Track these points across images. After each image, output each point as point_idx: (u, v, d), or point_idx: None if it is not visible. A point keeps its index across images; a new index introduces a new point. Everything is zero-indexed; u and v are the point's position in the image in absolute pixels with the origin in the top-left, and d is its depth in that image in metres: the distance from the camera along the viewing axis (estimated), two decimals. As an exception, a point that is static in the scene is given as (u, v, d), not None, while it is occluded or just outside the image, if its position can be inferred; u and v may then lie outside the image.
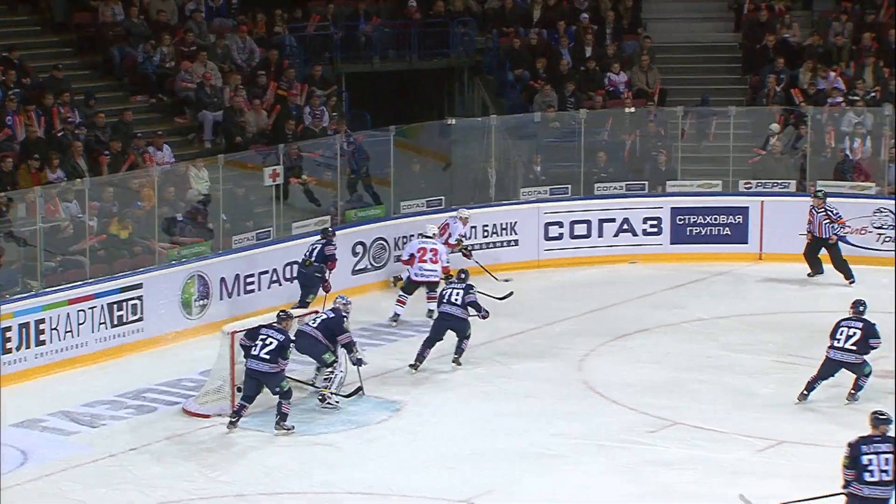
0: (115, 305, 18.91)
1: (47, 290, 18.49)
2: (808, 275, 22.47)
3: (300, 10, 25.76)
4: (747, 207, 23.49)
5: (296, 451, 15.83)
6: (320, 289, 19.87)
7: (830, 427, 16.17)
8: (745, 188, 23.78)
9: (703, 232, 23.51)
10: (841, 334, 16.83)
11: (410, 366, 18.17)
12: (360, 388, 17.01)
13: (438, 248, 20.47)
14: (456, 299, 18.19)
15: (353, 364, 17.11)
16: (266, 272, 20.65)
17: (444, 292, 18.39)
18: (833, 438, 15.56)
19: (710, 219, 23.53)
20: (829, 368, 16.92)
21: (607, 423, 16.52)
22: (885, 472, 12.39)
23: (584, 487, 14.73)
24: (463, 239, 21.64)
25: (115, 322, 18.87)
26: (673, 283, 22.14)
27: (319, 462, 15.52)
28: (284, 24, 25.25)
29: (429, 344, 18.21)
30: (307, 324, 17.22)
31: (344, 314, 17.13)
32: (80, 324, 18.47)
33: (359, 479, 14.99)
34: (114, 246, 19.68)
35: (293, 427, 16.21)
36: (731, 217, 23.52)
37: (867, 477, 12.45)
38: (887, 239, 22.94)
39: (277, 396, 16.08)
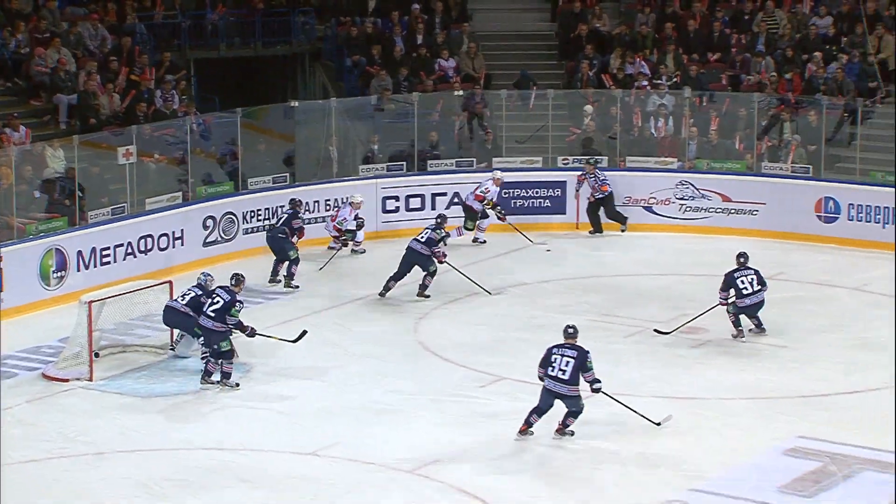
0: (-28, 277, 18.55)
1: None
2: (591, 232, 23.11)
3: (149, 0, 25.39)
4: (565, 182, 23.71)
5: (151, 412, 15.71)
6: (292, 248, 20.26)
7: (643, 378, 16.45)
8: (563, 164, 24.04)
9: (526, 204, 23.69)
10: (743, 283, 17.62)
11: (379, 294, 19.53)
12: (304, 332, 17.04)
13: (339, 214, 21.90)
14: (422, 237, 19.48)
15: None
16: (121, 245, 20.39)
17: (422, 232, 19.76)
18: (643, 389, 15.90)
19: (532, 192, 23.74)
20: (751, 311, 17.81)
21: (441, 379, 16.64)
22: (563, 371, 14.32)
23: (420, 438, 14.82)
24: (485, 195, 22.42)
25: (-27, 295, 18.51)
26: (499, 251, 22.28)
27: (174, 421, 15.41)
28: (134, 12, 24.85)
29: (395, 277, 19.52)
30: (176, 300, 17.05)
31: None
32: (-59, 296, 18.09)
33: (211, 436, 14.95)
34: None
35: (238, 385, 16.13)
36: (550, 190, 23.75)
37: (550, 371, 14.40)
38: (689, 209, 23.37)
39: (217, 357, 16.07)
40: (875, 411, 15.44)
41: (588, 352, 14.49)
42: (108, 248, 20.21)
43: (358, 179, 23.32)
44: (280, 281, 20.21)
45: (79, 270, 19.75)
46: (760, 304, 17.78)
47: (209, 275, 17.32)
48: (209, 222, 21.66)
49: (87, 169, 20.86)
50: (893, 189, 21.89)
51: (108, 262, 20.17)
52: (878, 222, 22.09)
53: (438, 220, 19.98)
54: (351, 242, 21.83)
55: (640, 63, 25.50)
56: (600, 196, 22.98)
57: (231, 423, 15.28)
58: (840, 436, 14.69)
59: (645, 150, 24.23)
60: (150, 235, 20.74)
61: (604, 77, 25.46)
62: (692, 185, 23.36)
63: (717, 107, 24.24)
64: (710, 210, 23.30)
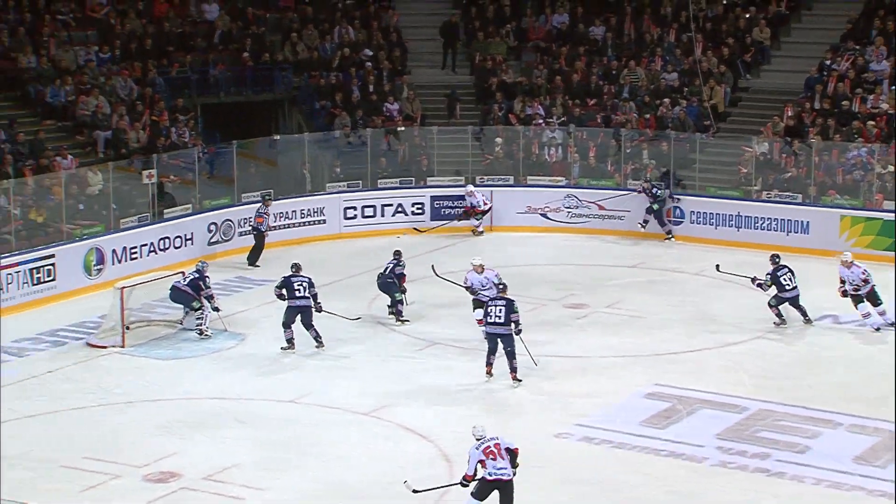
0: (35, 270, 18.31)
1: (-16, 260, 17.80)
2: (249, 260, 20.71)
3: (166, 59, 25.10)
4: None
5: (169, 370, 15.59)
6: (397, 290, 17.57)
7: (542, 341, 16.44)
8: (480, 182, 24.00)
9: (452, 212, 23.57)
10: (784, 280, 16.66)
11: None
12: (359, 317, 16.70)
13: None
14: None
15: (213, 311, 16.81)
16: (146, 244, 20.12)
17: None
18: (542, 350, 15.89)
19: (457, 203, 23.63)
20: (793, 302, 16.87)
21: (387, 344, 16.55)
22: (499, 316, 14.65)
23: (372, 389, 14.79)
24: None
25: (35, 282, 18.29)
26: (433, 248, 22.14)
27: (186, 377, 15.32)
28: (155, 69, 24.56)
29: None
30: (179, 282, 16.92)
31: (206, 275, 16.88)
32: (9, 283, 17.84)
33: (215, 388, 14.86)
34: (33, 228, 19.06)
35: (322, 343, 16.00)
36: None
37: (489, 320, 14.76)
38: (573, 215, 23.40)
39: (309, 326, 15.93)
40: (710, 365, 15.63)
41: (513, 301, 14.86)
42: (136, 247, 19.97)
43: (325, 194, 23.19)
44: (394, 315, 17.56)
45: (113, 264, 19.53)
46: (798, 296, 16.75)
47: (206, 263, 17.29)
48: (212, 227, 21.43)
49: (119, 187, 20.60)
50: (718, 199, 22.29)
51: (136, 258, 19.90)
52: (712, 224, 22.31)
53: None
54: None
55: (536, 106, 25.56)
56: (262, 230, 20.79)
57: (230, 378, 15.18)
58: (685, 383, 14.85)
59: (541, 171, 24.30)
60: (167, 237, 20.52)
61: (510, 117, 25.50)
62: (576, 197, 23.43)
63: (594, 139, 24.35)
64: (590, 216, 23.33)
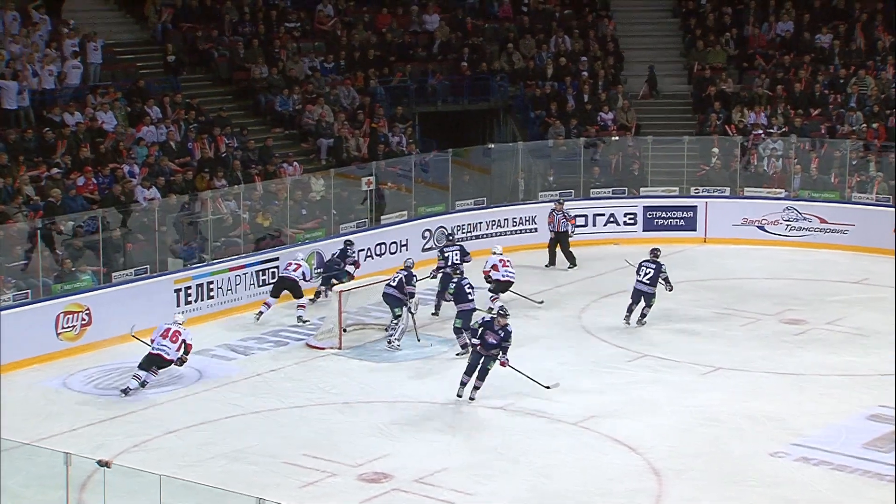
0: (261, 272, 18.99)
1: (214, 261, 18.64)
2: (546, 266, 20.95)
3: (387, 68, 25.81)
4: (696, 206, 23.20)
5: (382, 373, 15.92)
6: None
7: (754, 357, 16.06)
8: (695, 192, 23.53)
9: (665, 223, 23.24)
10: (641, 272, 17.27)
11: None
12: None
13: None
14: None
15: (410, 313, 16.82)
16: (363, 249, 20.52)
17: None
18: (754, 366, 15.53)
19: (670, 213, 23.27)
20: (635, 296, 17.42)
21: (598, 355, 16.48)
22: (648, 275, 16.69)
23: (581, 399, 14.72)
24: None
25: (261, 283, 18.94)
26: (643, 259, 21.83)
27: (398, 380, 15.60)
28: (376, 78, 25.28)
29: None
30: (389, 285, 17.06)
31: (413, 273, 17.01)
32: (237, 284, 18.62)
33: (426, 392, 15.07)
34: (259, 231, 19.80)
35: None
36: (685, 213, 23.26)
37: (639, 277, 16.48)
38: (793, 228, 22.68)
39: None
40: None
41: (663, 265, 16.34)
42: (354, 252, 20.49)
43: (537, 202, 23.26)
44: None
45: (333, 268, 20.10)
46: (644, 295, 17.31)
47: (412, 259, 17.64)
48: (426, 233, 21.79)
49: (340, 193, 21.15)
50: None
51: (354, 262, 20.29)
52: (942, 242, 21.16)
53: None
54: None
55: (756, 116, 24.83)
56: (562, 230, 20.96)
57: (440, 383, 15.38)
58: (912, 406, 14.11)
59: (759, 183, 23.58)
60: (383, 242, 20.97)
61: (728, 127, 24.89)
62: (796, 210, 22.68)
63: (817, 150, 23.47)
64: (810, 229, 22.56)
